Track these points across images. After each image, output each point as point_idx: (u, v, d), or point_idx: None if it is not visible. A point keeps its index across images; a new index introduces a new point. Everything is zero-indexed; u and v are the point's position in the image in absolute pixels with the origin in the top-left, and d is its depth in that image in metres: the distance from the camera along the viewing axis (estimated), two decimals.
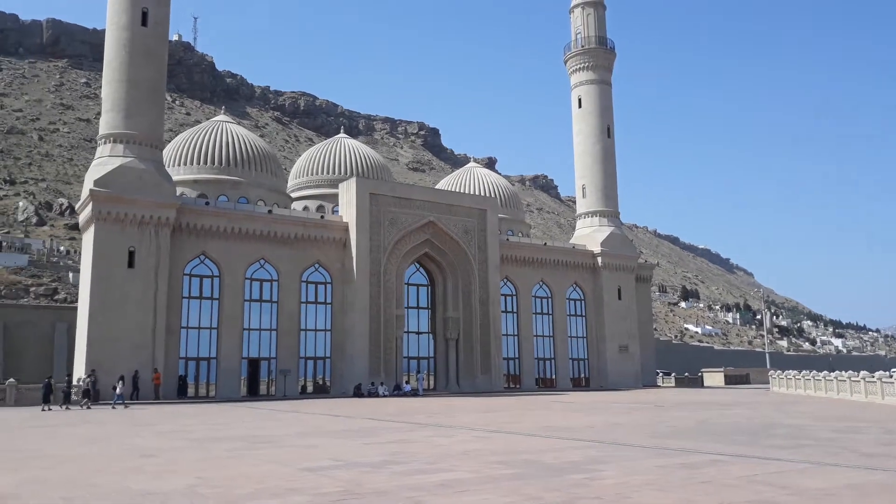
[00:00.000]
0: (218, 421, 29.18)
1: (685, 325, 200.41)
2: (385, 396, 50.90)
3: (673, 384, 79.70)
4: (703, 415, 30.48)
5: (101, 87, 53.77)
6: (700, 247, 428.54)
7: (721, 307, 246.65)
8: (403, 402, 43.31)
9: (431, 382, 59.79)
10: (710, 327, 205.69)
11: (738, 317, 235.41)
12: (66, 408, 38.44)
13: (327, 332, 55.06)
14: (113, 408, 38.82)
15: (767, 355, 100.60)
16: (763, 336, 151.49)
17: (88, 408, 38.88)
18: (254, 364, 52.20)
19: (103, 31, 52.67)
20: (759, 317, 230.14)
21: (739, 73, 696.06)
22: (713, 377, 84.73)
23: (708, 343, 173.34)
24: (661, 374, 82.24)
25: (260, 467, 14.70)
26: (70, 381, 39.23)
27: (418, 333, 59.77)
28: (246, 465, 15.05)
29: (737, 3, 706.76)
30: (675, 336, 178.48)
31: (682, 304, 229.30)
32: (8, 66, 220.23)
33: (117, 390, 40.58)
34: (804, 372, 54.75)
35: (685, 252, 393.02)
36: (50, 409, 37.36)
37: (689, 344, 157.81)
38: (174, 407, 40.52)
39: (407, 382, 55.88)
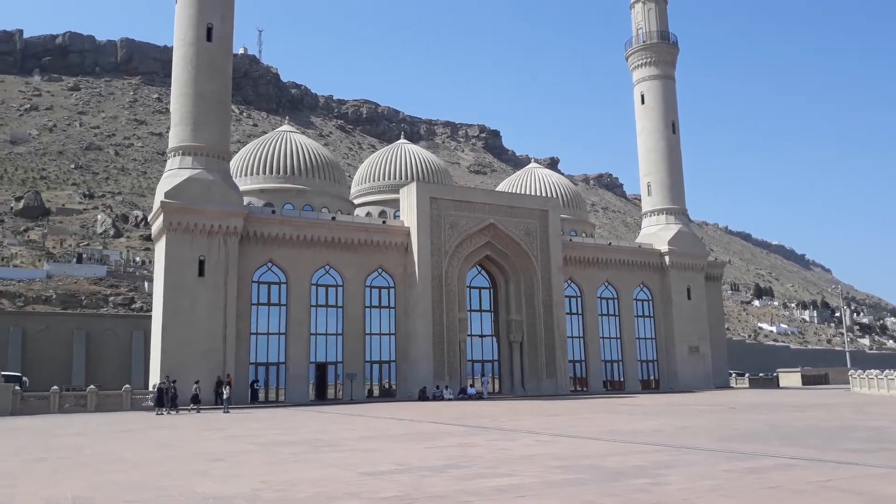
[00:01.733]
0: (285, 425, 29.74)
1: (759, 325, 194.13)
2: (450, 400, 50.96)
3: (747, 385, 77.31)
4: (777, 417, 29.39)
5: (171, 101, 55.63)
6: (773, 243, 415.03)
7: (797, 305, 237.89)
8: (467, 406, 43.26)
9: (497, 386, 59.55)
10: (785, 326, 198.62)
11: (815, 315, 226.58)
12: (177, 412, 39.85)
13: (391, 336, 55.53)
14: (225, 412, 39.99)
15: (848, 354, 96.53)
16: (843, 334, 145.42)
17: (198, 412, 40.65)
18: (321, 368, 53.06)
19: (172, 49, 54.52)
20: (837, 314, 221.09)
21: (813, 63, 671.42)
22: (789, 378, 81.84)
23: (784, 342, 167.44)
24: (734, 375, 79.86)
25: (322, 471, 14.88)
26: (174, 388, 40.74)
27: (482, 336, 59.64)
28: (308, 470, 15.26)
29: None
30: (749, 336, 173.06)
31: (756, 303, 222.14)
32: (86, 85, 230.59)
33: (224, 394, 41.87)
34: (887, 371, 52.24)
35: (758, 249, 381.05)
36: (163, 413, 38.62)
37: (763, 343, 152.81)
38: (252, 412, 41.49)
39: (472, 386, 55.81)
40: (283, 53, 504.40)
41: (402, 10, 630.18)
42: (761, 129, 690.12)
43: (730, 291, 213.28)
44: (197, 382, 42.50)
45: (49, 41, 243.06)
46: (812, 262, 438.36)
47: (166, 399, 39.61)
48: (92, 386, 44.81)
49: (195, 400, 41.68)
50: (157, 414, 38.52)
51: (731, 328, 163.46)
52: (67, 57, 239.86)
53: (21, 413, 39.90)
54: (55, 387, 43.51)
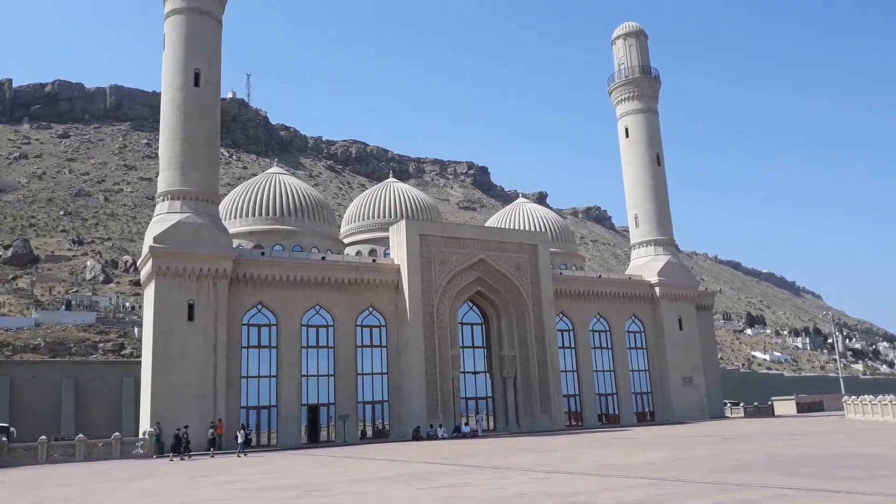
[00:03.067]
0: (276, 469, 29.35)
1: (752, 353, 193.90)
2: (444, 438, 50.46)
3: (742, 415, 77.02)
4: (771, 446, 29.25)
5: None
6: (763, 271, 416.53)
7: (789, 332, 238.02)
8: (462, 445, 42.85)
9: (491, 423, 59.03)
10: (778, 354, 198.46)
11: (807, 342, 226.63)
12: (189, 457, 39.91)
13: (384, 376, 55.15)
14: (238, 456, 40.58)
15: (841, 380, 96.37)
16: (836, 360, 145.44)
17: (212, 457, 40.93)
18: (313, 410, 52.52)
19: (160, 94, 54.96)
20: (830, 340, 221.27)
21: (798, 91, 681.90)
22: (784, 406, 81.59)
23: (777, 370, 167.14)
24: (728, 405, 79.59)
25: None
26: (184, 433, 41.14)
27: (475, 373, 59.29)
28: None
29: (794, 15, 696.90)
30: (743, 364, 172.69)
31: (748, 331, 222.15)
32: (75, 132, 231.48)
33: (239, 439, 42.32)
34: (881, 396, 52.17)
35: (748, 277, 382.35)
36: (174, 460, 38.85)
37: (757, 372, 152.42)
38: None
39: (466, 424, 55.31)
40: (272, 96, 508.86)
41: (390, 52, 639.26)
42: (748, 158, 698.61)
43: (722, 321, 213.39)
44: (186, 427, 42.01)
45: (38, 89, 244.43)
46: (803, 288, 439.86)
47: (182, 445, 40.06)
48: (81, 435, 44.12)
49: (212, 444, 42.45)
50: (171, 460, 38.71)
51: (724, 357, 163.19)
52: (57, 104, 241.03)
53: (8, 465, 39.19)
54: (43, 437, 42.83)
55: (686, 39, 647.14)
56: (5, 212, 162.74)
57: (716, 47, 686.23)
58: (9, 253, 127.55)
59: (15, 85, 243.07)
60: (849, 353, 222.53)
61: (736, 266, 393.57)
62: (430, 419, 52.78)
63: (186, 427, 41.68)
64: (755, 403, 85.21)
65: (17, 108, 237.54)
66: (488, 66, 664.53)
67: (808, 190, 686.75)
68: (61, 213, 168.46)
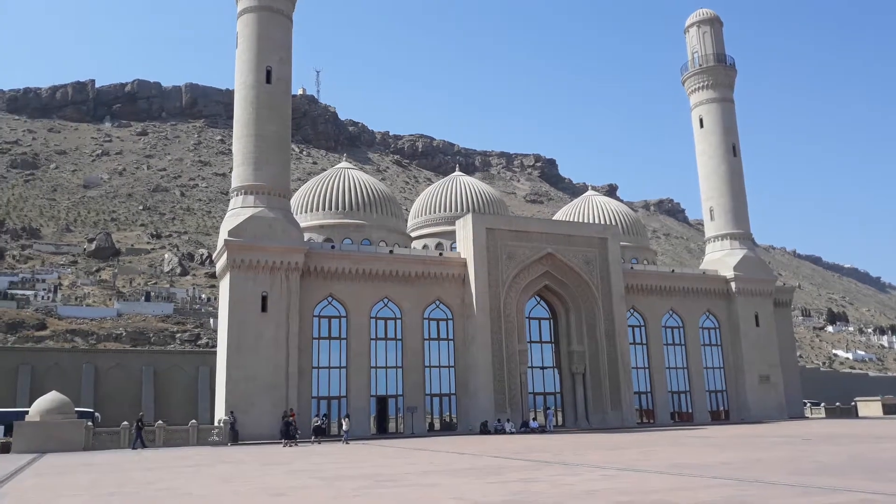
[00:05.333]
0: (347, 459, 29.72)
1: (834, 351, 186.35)
2: (512, 433, 50.20)
3: (823, 415, 74.05)
4: (856, 449, 27.92)
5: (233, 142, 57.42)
6: (846, 266, 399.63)
7: (874, 330, 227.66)
8: (530, 440, 42.53)
9: (560, 419, 58.45)
10: (862, 352, 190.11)
11: (894, 340, 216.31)
12: (294, 444, 41.23)
13: (451, 369, 55.27)
14: (344, 443, 42.36)
15: None
16: None
17: (319, 443, 42.80)
18: (382, 402, 53.08)
19: (234, 92, 56.34)
20: None
21: (885, 74, 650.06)
22: (869, 407, 77.99)
23: (861, 370, 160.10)
24: (808, 405, 76.63)
25: None
26: (291, 421, 42.97)
27: (543, 368, 58.76)
28: None
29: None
30: (823, 363, 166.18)
31: (829, 329, 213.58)
32: (153, 129, 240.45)
33: (344, 426, 44.41)
34: None
35: (829, 272, 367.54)
36: (289, 446, 40.26)
37: (839, 371, 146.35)
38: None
39: (534, 419, 54.89)
40: (341, 92, 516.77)
41: (456, 45, 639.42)
42: (828, 149, 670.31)
43: (801, 317, 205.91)
44: (347, 415, 46.06)
45: (119, 89, 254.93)
46: (889, 284, 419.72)
47: (293, 431, 41.81)
48: (160, 421, 45.81)
49: (317, 432, 44.11)
50: (284, 446, 39.93)
51: (803, 356, 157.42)
52: (136, 103, 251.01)
53: (93, 448, 40.99)
54: (125, 423, 44.63)
55: (763, 25, 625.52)
56: (90, 207, 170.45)
57: (794, 32, 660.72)
58: (93, 246, 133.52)
59: (97, 85, 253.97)
60: None
61: (816, 261, 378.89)
62: (497, 413, 52.62)
63: (291, 411, 44.41)
64: (837, 404, 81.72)
65: (100, 107, 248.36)
66: (556, 58, 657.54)
67: (892, 181, 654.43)
68: (140, 207, 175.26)
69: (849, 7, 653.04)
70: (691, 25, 75.75)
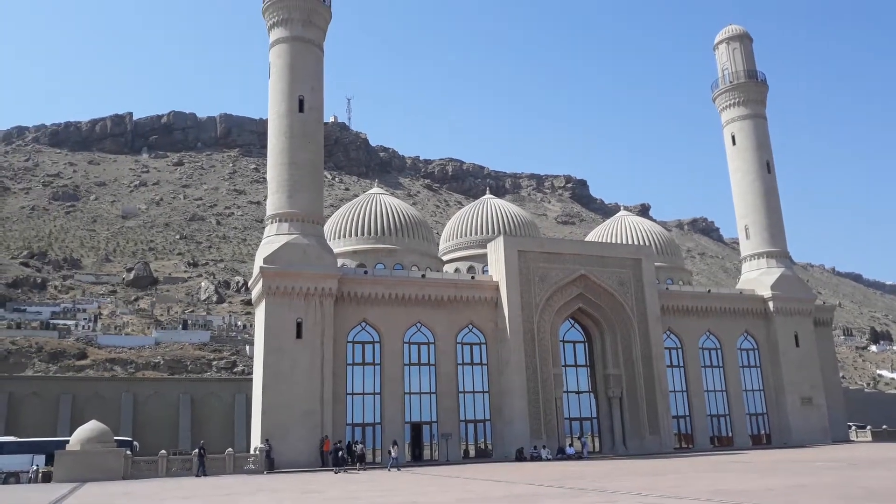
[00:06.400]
0: (382, 487, 29.57)
1: (878, 372, 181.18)
2: (548, 460, 49.56)
3: (869, 438, 71.88)
4: None
5: (267, 171, 58.27)
6: (888, 283, 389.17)
7: None
8: (567, 466, 41.93)
9: (596, 444, 57.53)
10: None
11: None
12: (343, 470, 42.94)
13: (485, 394, 54.85)
14: (388, 470, 42.69)
15: None
16: None
17: (364, 470, 43.86)
18: (416, 428, 52.80)
19: (267, 121, 57.29)
20: None
21: None
22: None
23: None
24: (854, 428, 74.47)
25: None
26: (343, 447, 45.58)
27: (578, 393, 58.01)
28: None
29: None
30: (867, 384, 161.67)
31: (873, 348, 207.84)
32: (189, 159, 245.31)
33: (392, 454, 44.57)
34: None
35: (871, 290, 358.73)
36: (340, 473, 41.67)
37: (885, 392, 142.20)
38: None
39: (570, 445, 54.15)
40: (371, 119, 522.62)
41: (484, 68, 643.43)
42: (865, 163, 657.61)
43: (842, 337, 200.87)
44: (395, 442, 46.10)
45: (155, 121, 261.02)
46: None
47: (350, 458, 44.40)
48: (196, 449, 46.11)
49: (361, 459, 45.37)
50: (335, 473, 41.27)
51: (846, 376, 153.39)
52: (172, 134, 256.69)
53: (132, 477, 41.40)
54: (163, 451, 45.06)
55: (795, 40, 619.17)
56: (128, 237, 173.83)
57: (827, 45, 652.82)
58: (131, 275, 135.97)
59: (135, 117, 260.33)
60: None
61: (857, 278, 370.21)
62: (533, 440, 52.00)
63: (339, 443, 45.89)
64: (884, 426, 79.37)
65: (137, 139, 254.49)
66: (584, 78, 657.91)
67: None
68: (177, 236, 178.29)
69: (887, 14, 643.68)
70: (720, 42, 75.34)
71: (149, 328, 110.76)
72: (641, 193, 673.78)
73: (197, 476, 41.76)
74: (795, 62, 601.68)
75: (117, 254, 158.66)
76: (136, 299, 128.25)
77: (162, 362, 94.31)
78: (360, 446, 47.06)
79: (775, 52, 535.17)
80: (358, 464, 45.08)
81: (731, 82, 72.66)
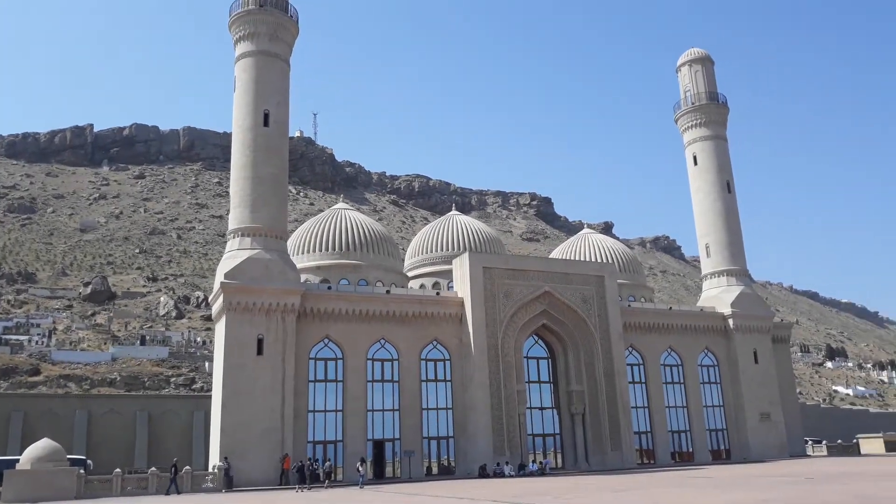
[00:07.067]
0: None
1: (834, 388, 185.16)
2: (511, 476, 49.41)
3: (825, 453, 73.15)
4: (863, 488, 27.45)
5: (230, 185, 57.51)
6: (843, 301, 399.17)
7: (873, 365, 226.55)
8: (529, 483, 41.82)
9: (559, 460, 57.59)
10: (862, 388, 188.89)
11: (894, 375, 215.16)
12: (308, 489, 43.00)
13: (448, 411, 54.56)
14: (361, 488, 42.98)
15: None
16: None
17: (332, 488, 43.83)
18: (379, 445, 52.25)
19: (231, 135, 56.65)
20: None
21: (878, 107, 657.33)
22: (872, 444, 77.14)
23: (862, 406, 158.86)
24: (810, 443, 75.72)
25: None
26: (310, 465, 45.60)
27: (542, 409, 58.08)
28: None
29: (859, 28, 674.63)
30: (823, 400, 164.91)
31: (829, 365, 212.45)
32: (150, 172, 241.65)
33: (360, 471, 44.67)
34: None
35: (827, 308, 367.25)
36: (304, 491, 41.85)
37: (839, 408, 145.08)
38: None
39: (533, 461, 54.11)
40: (338, 134, 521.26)
41: (451, 86, 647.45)
42: (823, 183, 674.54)
43: (799, 353, 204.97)
44: (362, 459, 46.25)
45: (117, 133, 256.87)
46: (887, 319, 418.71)
47: (306, 476, 43.69)
48: (153, 468, 44.94)
49: (329, 476, 45.13)
50: (297, 492, 41.24)
51: (803, 392, 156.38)
52: (133, 147, 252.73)
53: (84, 496, 40.13)
54: (118, 470, 43.78)
55: (755, 62, 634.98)
56: (86, 250, 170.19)
57: (787, 69, 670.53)
58: (88, 290, 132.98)
59: (96, 129, 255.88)
60: None
61: (813, 296, 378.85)
62: (496, 456, 51.83)
63: (311, 461, 46.02)
64: (839, 441, 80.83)
65: (98, 151, 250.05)
66: (550, 97, 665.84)
67: (890, 215, 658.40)
68: (137, 251, 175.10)
69: (843, 43, 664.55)
70: (683, 64, 76.83)
71: (105, 344, 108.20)
72: (605, 211, 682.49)
73: (167, 494, 40.89)
74: (757, 83, 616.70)
75: (74, 268, 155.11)
76: (92, 314, 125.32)
77: (118, 379, 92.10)
78: (328, 464, 46.89)
79: (738, 73, 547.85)
80: (326, 481, 44.73)
81: (693, 104, 74.06)
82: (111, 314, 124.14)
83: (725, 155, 73.14)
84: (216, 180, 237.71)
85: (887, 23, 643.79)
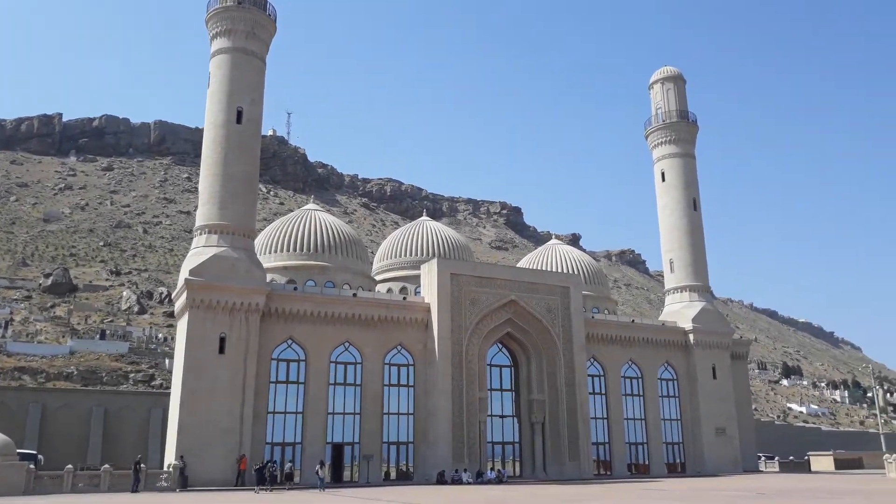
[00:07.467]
0: None
1: (788, 405, 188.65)
2: (469, 484, 49.63)
3: (777, 469, 74.71)
4: None
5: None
6: (801, 320, 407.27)
7: (827, 384, 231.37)
8: (487, 491, 42.07)
9: (517, 469, 57.97)
10: (815, 406, 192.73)
11: (846, 395, 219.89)
12: (270, 490, 42.52)
13: (410, 416, 54.62)
14: (321, 491, 42.69)
15: (882, 437, 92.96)
16: (876, 415, 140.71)
17: (292, 490, 43.83)
18: (338, 449, 52.07)
19: (203, 130, 56.15)
20: (870, 395, 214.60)
21: (841, 135, 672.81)
22: (821, 461, 78.92)
23: (814, 424, 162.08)
24: (763, 459, 77.24)
25: None
26: (270, 467, 44.50)
27: (502, 417, 58.46)
28: None
29: (830, 65, 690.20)
30: (778, 416, 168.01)
31: (784, 382, 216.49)
32: (119, 165, 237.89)
33: (319, 474, 44.31)
34: None
35: (785, 326, 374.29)
36: (263, 492, 41.34)
37: (793, 425, 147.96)
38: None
39: (491, 469, 54.36)
40: (311, 134, 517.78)
41: (427, 92, 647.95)
42: (786, 205, 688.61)
43: (757, 370, 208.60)
44: (321, 462, 45.65)
45: (86, 124, 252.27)
46: (841, 339, 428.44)
47: (266, 478, 42.90)
48: (106, 465, 44.31)
49: (290, 479, 45.33)
50: (256, 492, 40.95)
51: (759, 409, 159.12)
52: (103, 138, 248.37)
53: (34, 492, 39.39)
54: (69, 466, 43.04)
55: (726, 82, 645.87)
56: (48, 241, 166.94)
57: (756, 91, 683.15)
58: (48, 281, 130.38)
59: (65, 119, 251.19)
60: (890, 408, 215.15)
61: (772, 315, 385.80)
62: (455, 463, 51.99)
63: (271, 462, 45.46)
64: (791, 458, 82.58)
65: (66, 141, 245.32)
66: (524, 107, 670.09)
67: (848, 238, 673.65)
68: (101, 243, 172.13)
69: (807, 69, 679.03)
70: (655, 82, 78.11)
71: (64, 337, 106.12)
72: (573, 223, 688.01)
73: (134, 492, 40.53)
74: (726, 100, 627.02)
75: (35, 258, 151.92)
76: (52, 306, 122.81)
77: (76, 373, 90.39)
78: (289, 465, 46.99)
79: (708, 92, 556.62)
80: (287, 483, 44.72)
81: (663, 121, 75.29)
82: (71, 307, 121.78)
83: (693, 173, 74.45)
84: (186, 176, 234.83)
85: (854, 44, 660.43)
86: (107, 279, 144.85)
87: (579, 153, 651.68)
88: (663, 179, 74.41)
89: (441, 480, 50.07)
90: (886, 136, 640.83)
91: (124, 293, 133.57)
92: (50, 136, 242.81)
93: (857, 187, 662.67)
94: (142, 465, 42.51)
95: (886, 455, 61.85)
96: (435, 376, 53.93)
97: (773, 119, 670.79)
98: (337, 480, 50.94)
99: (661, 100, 76.84)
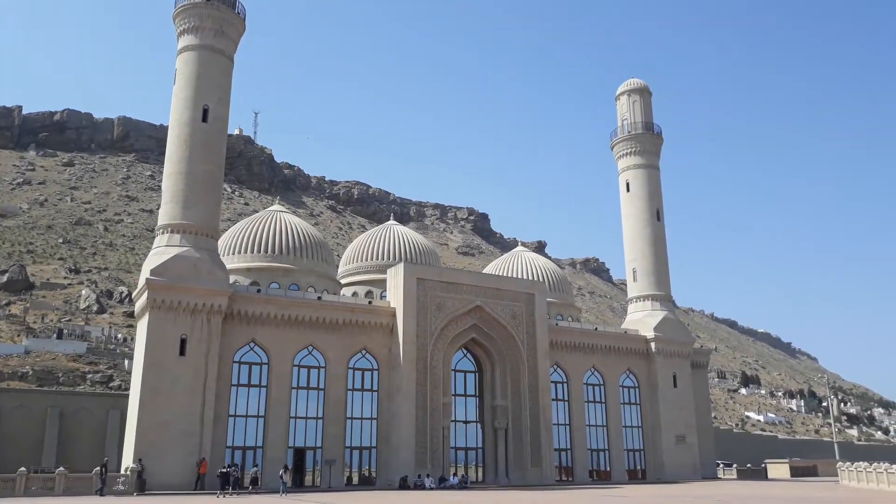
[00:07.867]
0: None
1: (746, 413, 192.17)
2: (431, 489, 49.58)
3: (734, 476, 75.94)
4: None
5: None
6: (759, 330, 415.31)
7: (784, 394, 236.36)
8: (450, 496, 42.07)
9: (480, 474, 58.07)
10: (773, 415, 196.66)
11: (802, 404, 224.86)
12: (230, 494, 41.82)
13: (373, 421, 54.41)
14: (283, 495, 42.00)
15: (836, 445, 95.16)
16: (830, 424, 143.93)
17: (256, 494, 43.39)
18: (300, 453, 51.64)
19: (168, 128, 55.35)
20: (825, 404, 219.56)
21: (801, 149, 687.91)
22: (778, 469, 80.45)
23: (771, 432, 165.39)
24: (721, 466, 78.45)
25: None
26: (233, 471, 44.01)
27: (466, 423, 58.53)
28: None
29: (794, 75, 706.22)
30: (736, 424, 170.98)
31: (743, 391, 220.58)
32: (80, 161, 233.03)
33: (284, 478, 44.06)
34: (876, 464, 51.42)
35: (744, 336, 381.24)
36: (224, 496, 40.84)
37: (750, 433, 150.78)
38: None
39: (454, 474, 54.38)
40: (278, 135, 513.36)
41: (396, 95, 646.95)
42: (747, 217, 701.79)
43: (716, 379, 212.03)
44: (285, 466, 45.97)
45: (47, 117, 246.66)
46: (798, 350, 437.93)
47: (231, 482, 42.50)
48: (61, 468, 43.29)
49: (254, 483, 44.97)
50: (218, 497, 40.45)
51: (718, 417, 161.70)
52: (64, 133, 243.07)
53: None
54: (23, 469, 42.00)
55: (690, 95, 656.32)
56: (4, 237, 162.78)
57: (720, 105, 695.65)
58: (4, 278, 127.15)
59: (25, 112, 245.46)
60: (844, 417, 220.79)
61: (732, 325, 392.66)
62: (418, 468, 51.90)
63: (232, 466, 45.05)
64: (748, 465, 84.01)
65: (26, 134, 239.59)
66: (492, 114, 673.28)
67: (805, 251, 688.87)
68: (60, 240, 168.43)
69: (769, 85, 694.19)
70: (622, 94, 79.12)
71: (19, 336, 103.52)
72: (539, 231, 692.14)
73: (101, 495, 40.10)
74: (690, 113, 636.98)
75: None
76: (7, 304, 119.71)
77: (31, 373, 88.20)
78: (254, 469, 46.76)
79: (673, 104, 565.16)
80: (250, 486, 44.53)
81: (629, 132, 76.28)
82: (27, 305, 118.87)
83: (657, 184, 75.52)
84: (149, 173, 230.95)
85: (815, 59, 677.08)
86: (65, 277, 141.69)
87: (547, 162, 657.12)
88: (628, 190, 75.36)
89: (404, 485, 49.94)
90: (845, 151, 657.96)
91: (83, 292, 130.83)
92: (8, 129, 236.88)
93: (817, 202, 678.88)
94: (107, 468, 41.77)
95: (840, 463, 63.27)
96: (399, 381, 53.80)
97: (736, 132, 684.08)
98: (299, 485, 50.52)
99: (627, 111, 77.86)
